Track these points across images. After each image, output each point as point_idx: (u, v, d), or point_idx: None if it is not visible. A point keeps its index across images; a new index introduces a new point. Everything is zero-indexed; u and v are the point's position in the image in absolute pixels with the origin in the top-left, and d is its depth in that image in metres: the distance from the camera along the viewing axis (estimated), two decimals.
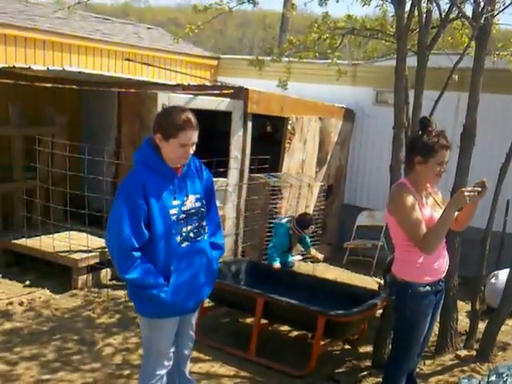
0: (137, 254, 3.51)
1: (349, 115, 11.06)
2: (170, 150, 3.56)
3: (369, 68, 11.16)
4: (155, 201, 3.52)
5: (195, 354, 5.39)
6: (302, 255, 8.62)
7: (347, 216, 11.02)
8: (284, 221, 7.52)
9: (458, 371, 5.60)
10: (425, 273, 4.05)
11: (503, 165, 5.81)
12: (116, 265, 3.60)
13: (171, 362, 3.92)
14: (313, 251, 7.65)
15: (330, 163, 10.72)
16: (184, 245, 3.67)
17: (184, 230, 3.66)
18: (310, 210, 9.49)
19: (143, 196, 3.49)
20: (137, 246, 3.50)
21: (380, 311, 6.05)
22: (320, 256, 7.72)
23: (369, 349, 6.05)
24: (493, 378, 4.77)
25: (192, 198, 3.72)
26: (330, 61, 8.30)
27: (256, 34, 42.64)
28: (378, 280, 7.88)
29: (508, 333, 6.65)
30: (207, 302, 6.39)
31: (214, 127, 10.18)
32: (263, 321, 6.13)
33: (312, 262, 8.67)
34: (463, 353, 5.91)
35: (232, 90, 8.58)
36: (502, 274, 7.62)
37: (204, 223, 3.82)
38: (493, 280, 7.67)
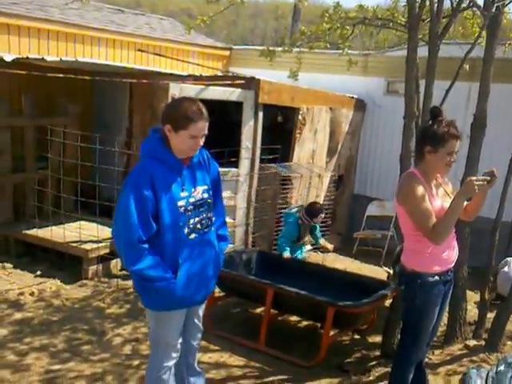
0: (144, 246, 3.48)
1: (359, 105, 11.03)
2: (179, 142, 3.53)
3: (380, 58, 11.11)
4: (164, 193, 3.49)
5: (204, 343, 5.42)
6: (312, 245, 8.63)
7: (357, 206, 11.03)
8: (293, 210, 7.54)
9: (466, 361, 5.59)
10: (434, 263, 4.05)
11: None
12: (123, 257, 3.58)
13: (179, 354, 3.92)
14: (322, 241, 7.65)
15: (340, 153, 10.70)
16: (192, 236, 3.64)
17: (191, 221, 3.63)
18: (321, 200, 9.48)
19: (151, 188, 3.45)
20: (144, 238, 3.47)
21: (389, 301, 6.06)
22: (330, 246, 7.71)
23: (378, 339, 6.05)
24: (501, 367, 4.78)
25: (200, 189, 3.70)
26: (341, 51, 8.31)
27: (268, 25, 42.40)
28: (388, 270, 7.88)
29: None
30: (217, 292, 6.41)
31: (225, 117, 10.18)
32: (273, 311, 6.14)
33: (322, 251, 8.68)
34: (472, 343, 5.90)
35: (243, 81, 8.59)
36: None
37: (211, 214, 3.80)
38: (506, 269, 7.65)
